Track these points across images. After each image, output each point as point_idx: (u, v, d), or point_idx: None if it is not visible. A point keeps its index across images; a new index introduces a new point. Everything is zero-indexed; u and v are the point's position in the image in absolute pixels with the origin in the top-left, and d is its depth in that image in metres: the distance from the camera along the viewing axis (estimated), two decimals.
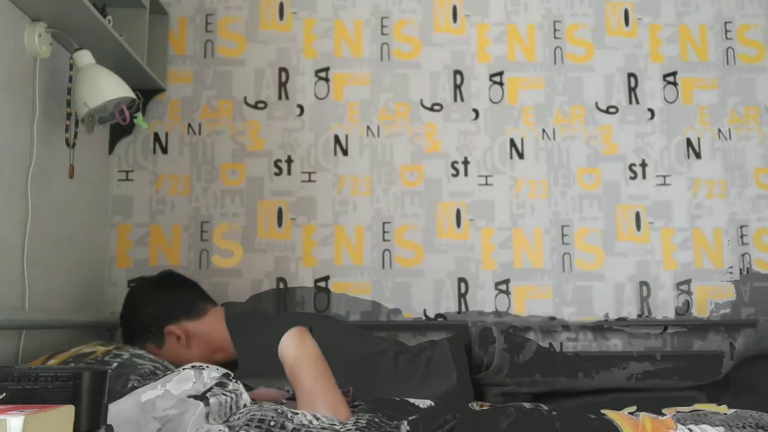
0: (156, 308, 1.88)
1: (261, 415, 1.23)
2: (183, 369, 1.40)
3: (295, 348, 1.61)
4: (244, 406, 1.35)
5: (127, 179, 2.40)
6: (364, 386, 1.75)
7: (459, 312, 2.35)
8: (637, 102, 2.50)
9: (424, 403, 1.46)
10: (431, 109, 2.47)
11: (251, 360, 1.75)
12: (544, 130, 2.47)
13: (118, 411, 1.22)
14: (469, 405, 1.53)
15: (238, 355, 1.81)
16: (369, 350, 1.89)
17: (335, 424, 1.25)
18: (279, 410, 1.27)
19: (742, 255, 2.40)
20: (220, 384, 1.36)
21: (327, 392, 1.53)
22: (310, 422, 1.27)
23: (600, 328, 2.35)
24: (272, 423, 1.21)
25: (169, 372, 1.46)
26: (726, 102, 2.49)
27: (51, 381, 0.99)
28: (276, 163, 2.43)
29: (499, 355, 1.89)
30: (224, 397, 1.33)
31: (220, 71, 2.47)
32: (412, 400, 1.48)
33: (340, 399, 1.54)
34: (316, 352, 1.62)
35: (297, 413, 1.28)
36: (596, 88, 2.50)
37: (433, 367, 1.86)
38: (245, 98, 2.46)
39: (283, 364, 1.62)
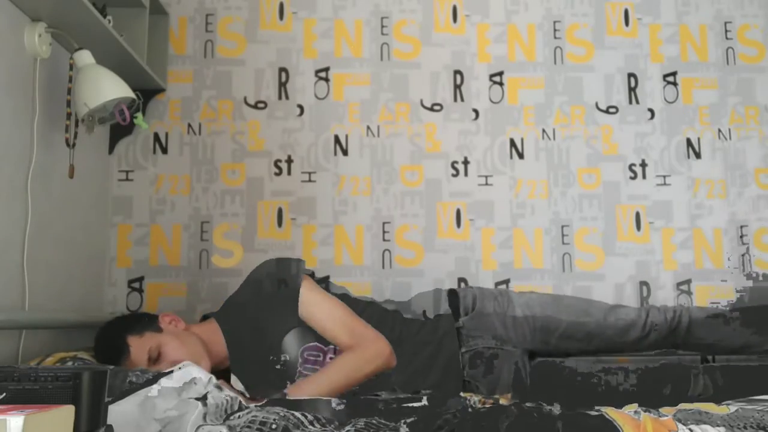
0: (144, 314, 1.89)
1: (263, 418, 1.23)
2: (181, 367, 1.40)
3: (315, 303, 1.78)
4: (243, 408, 1.34)
5: (127, 179, 2.40)
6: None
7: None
8: (637, 102, 2.49)
9: (419, 403, 1.46)
10: (431, 109, 2.47)
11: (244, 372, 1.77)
12: (544, 130, 2.47)
13: (118, 412, 1.22)
14: (469, 405, 1.53)
15: (232, 369, 1.80)
16: (378, 310, 1.94)
17: (336, 431, 1.25)
18: (281, 413, 1.27)
19: (742, 255, 2.40)
20: (218, 386, 1.36)
21: (363, 326, 1.76)
22: (311, 423, 1.27)
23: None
24: (274, 426, 1.21)
25: (168, 372, 1.46)
26: (726, 102, 2.49)
27: (51, 381, 0.99)
28: (276, 163, 2.43)
29: (480, 292, 1.99)
30: (222, 398, 1.33)
31: (220, 71, 2.47)
32: (407, 403, 1.48)
33: (375, 331, 1.76)
34: (331, 298, 1.82)
35: (300, 418, 1.28)
36: (596, 88, 2.50)
37: (441, 329, 1.91)
38: (245, 98, 2.46)
39: (309, 324, 1.77)
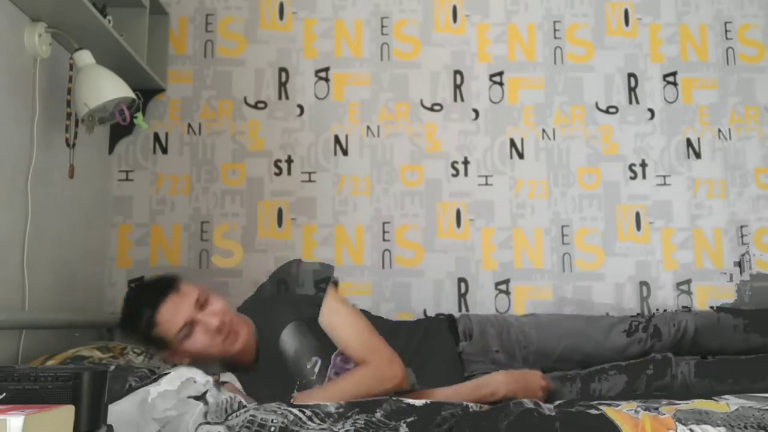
0: None
1: (261, 419, 1.22)
2: (179, 368, 1.40)
3: (336, 314, 1.72)
4: (242, 407, 1.34)
5: (127, 179, 2.40)
6: None
7: (458, 312, 2.35)
8: (637, 102, 2.49)
9: (420, 402, 1.46)
10: (431, 109, 2.47)
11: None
12: (544, 130, 2.47)
13: (117, 412, 1.22)
14: (469, 406, 1.53)
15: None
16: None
17: (335, 426, 1.25)
18: (279, 412, 1.27)
19: (742, 255, 2.40)
20: (217, 387, 1.36)
21: (382, 345, 1.69)
22: (311, 419, 1.27)
23: None
24: (272, 429, 1.21)
25: (167, 372, 1.46)
26: (726, 102, 2.49)
27: (51, 381, 0.99)
28: (276, 163, 2.43)
29: (477, 320, 1.96)
30: (222, 398, 1.33)
31: (220, 71, 2.47)
32: (408, 400, 1.48)
33: (392, 351, 1.69)
34: (356, 312, 1.76)
35: (298, 414, 1.28)
36: (596, 88, 2.50)
37: (433, 338, 1.90)
38: (245, 98, 2.46)
39: (328, 333, 1.71)
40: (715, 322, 2.01)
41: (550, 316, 2.12)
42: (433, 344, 1.88)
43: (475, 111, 2.48)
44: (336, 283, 1.84)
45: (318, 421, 1.26)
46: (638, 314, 2.24)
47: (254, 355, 1.76)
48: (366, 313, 1.91)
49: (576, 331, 1.96)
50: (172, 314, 1.63)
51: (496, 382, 1.72)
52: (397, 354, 1.71)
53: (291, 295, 1.84)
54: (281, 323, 1.73)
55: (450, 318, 2.00)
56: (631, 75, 2.51)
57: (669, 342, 1.95)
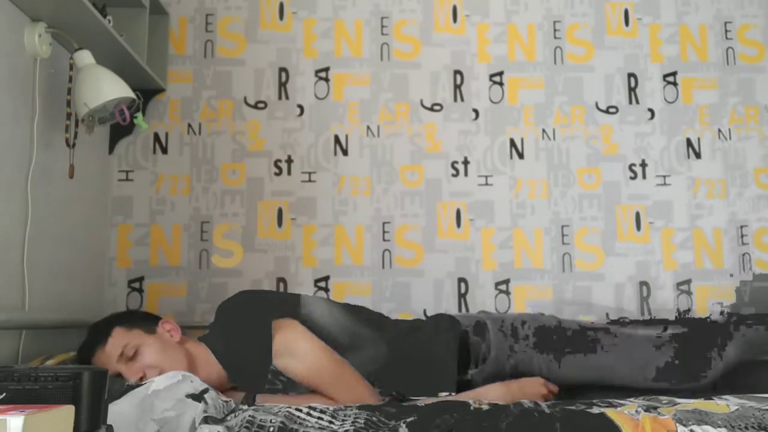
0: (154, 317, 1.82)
1: (260, 420, 1.22)
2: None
3: (294, 356, 1.63)
4: (239, 409, 1.35)
5: (127, 179, 2.40)
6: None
7: (459, 312, 2.34)
8: (637, 102, 2.49)
9: (422, 402, 1.46)
10: (431, 109, 2.47)
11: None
12: (544, 130, 2.47)
13: (116, 413, 1.22)
14: (471, 405, 1.52)
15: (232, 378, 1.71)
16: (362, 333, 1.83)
17: (334, 423, 1.25)
18: (277, 411, 1.27)
19: (742, 255, 2.40)
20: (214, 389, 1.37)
21: (356, 378, 1.64)
22: (309, 414, 1.27)
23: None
24: (271, 429, 1.21)
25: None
26: (726, 102, 2.49)
27: (51, 381, 0.99)
28: (276, 163, 2.43)
29: (496, 340, 1.83)
30: (220, 401, 1.33)
31: (220, 71, 2.47)
32: (411, 399, 1.48)
33: (364, 384, 1.64)
34: (317, 348, 1.66)
35: (296, 414, 1.28)
36: (596, 88, 2.50)
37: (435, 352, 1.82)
38: (245, 98, 2.46)
39: (289, 376, 1.62)
40: (756, 344, 1.93)
41: (587, 339, 1.88)
42: (431, 360, 1.79)
43: (475, 111, 2.48)
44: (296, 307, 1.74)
45: (318, 414, 1.26)
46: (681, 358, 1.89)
47: (228, 385, 1.70)
48: (362, 308, 1.90)
49: (606, 367, 1.84)
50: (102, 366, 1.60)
51: (493, 397, 1.63)
52: (366, 384, 1.64)
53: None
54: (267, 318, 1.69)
55: (464, 335, 1.85)
56: (631, 75, 2.51)
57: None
